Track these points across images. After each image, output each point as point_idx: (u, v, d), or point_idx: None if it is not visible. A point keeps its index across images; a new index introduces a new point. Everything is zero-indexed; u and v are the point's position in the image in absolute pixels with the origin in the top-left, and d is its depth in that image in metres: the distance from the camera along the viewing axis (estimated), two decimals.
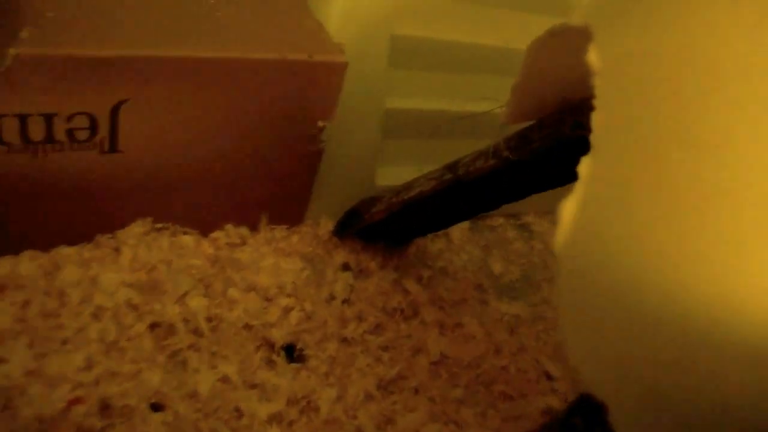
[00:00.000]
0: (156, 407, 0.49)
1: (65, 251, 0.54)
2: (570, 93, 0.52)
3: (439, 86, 0.68)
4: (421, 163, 0.71)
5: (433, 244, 0.69)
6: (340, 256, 0.63)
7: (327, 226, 0.65)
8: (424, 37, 0.64)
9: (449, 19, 0.66)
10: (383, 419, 0.53)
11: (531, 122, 0.54)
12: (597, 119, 0.33)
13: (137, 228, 0.56)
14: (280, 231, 0.63)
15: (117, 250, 0.55)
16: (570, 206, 0.33)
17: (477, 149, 0.56)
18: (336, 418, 0.52)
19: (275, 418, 0.50)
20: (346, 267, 0.63)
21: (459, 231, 0.71)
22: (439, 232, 0.70)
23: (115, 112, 0.50)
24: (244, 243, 0.61)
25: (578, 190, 0.33)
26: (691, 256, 0.29)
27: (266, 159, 0.58)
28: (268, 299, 0.57)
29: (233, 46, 0.52)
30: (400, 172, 0.70)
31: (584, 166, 0.33)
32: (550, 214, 0.80)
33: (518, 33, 0.71)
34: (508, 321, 0.65)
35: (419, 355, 0.59)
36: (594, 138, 0.33)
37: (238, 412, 0.49)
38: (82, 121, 0.49)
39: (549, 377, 0.61)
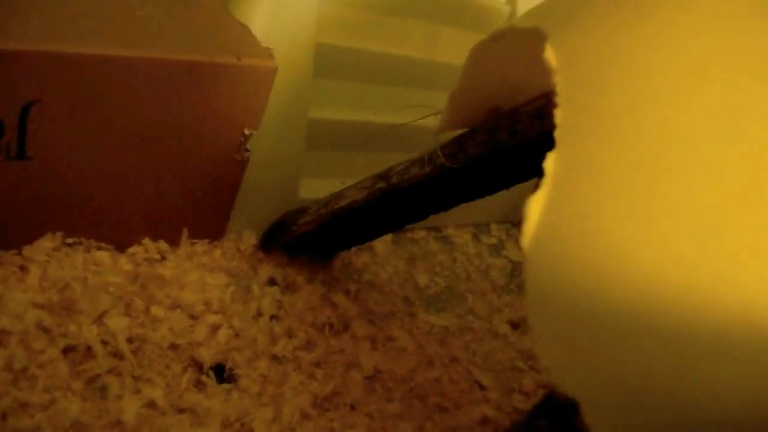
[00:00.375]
0: None
1: None
2: (503, 101, 0.52)
3: (364, 97, 0.67)
4: (344, 176, 0.69)
5: (357, 257, 0.68)
6: (266, 270, 0.60)
7: (250, 240, 0.62)
8: (350, 47, 0.64)
9: (375, 30, 0.65)
10: None
11: (464, 130, 0.54)
12: (560, 116, 0.33)
13: (46, 243, 0.51)
14: (201, 245, 0.59)
15: (23, 268, 0.50)
16: (536, 203, 0.33)
17: (408, 158, 0.55)
18: None
19: None
20: (272, 282, 0.60)
21: (383, 244, 0.70)
22: (363, 246, 0.69)
23: (24, 113, 0.45)
24: (164, 258, 0.57)
25: (544, 186, 0.33)
26: (660, 249, 0.30)
27: (188, 168, 0.55)
28: (194, 317, 0.53)
29: (156, 47, 0.48)
30: (324, 185, 0.68)
31: (550, 162, 0.33)
32: (470, 226, 0.81)
33: (441, 46, 0.72)
34: (437, 333, 0.64)
35: (352, 370, 0.57)
36: (558, 134, 0.33)
37: None
38: None
39: (481, 387, 0.60)
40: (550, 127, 0.49)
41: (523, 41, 0.46)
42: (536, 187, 0.34)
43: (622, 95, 0.33)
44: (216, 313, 0.54)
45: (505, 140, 0.49)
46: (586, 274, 0.32)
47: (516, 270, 0.77)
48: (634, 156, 0.31)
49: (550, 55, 0.35)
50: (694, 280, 0.29)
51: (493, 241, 0.80)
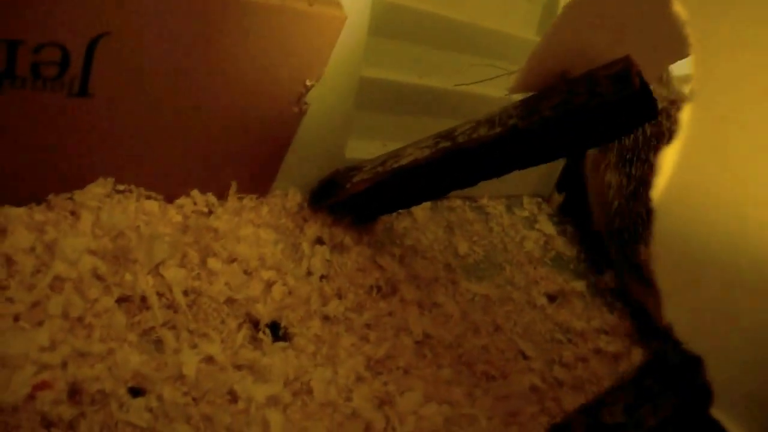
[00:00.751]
0: (136, 392, 0.42)
1: (12, 212, 0.46)
2: (574, 66, 0.51)
3: (417, 59, 0.65)
4: (386, 139, 0.68)
5: (398, 222, 0.66)
6: (312, 230, 0.59)
7: (295, 197, 0.60)
8: (406, 6, 0.62)
9: None
10: (378, 401, 0.49)
11: (528, 94, 0.53)
12: (696, 67, 0.32)
13: (98, 188, 0.49)
14: (249, 200, 0.57)
15: (75, 213, 0.47)
16: (670, 155, 0.32)
17: (472, 119, 0.54)
18: (331, 400, 0.47)
19: (272, 401, 0.45)
20: (320, 241, 0.58)
21: (422, 211, 0.69)
22: (402, 212, 0.67)
23: (92, 46, 0.42)
24: (211, 212, 0.54)
25: (679, 138, 0.32)
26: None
27: (245, 118, 0.52)
28: (248, 272, 0.51)
29: None
30: (368, 146, 0.66)
31: (686, 113, 0.32)
32: (503, 198, 0.80)
33: (490, 13, 0.70)
34: (479, 301, 0.63)
35: (402, 334, 0.55)
36: (694, 86, 0.32)
37: (232, 396, 0.44)
38: (52, 54, 0.41)
39: (525, 357, 0.60)
40: (630, 91, 0.48)
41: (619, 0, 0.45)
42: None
43: (752, 48, 0.32)
44: (270, 269, 0.52)
45: (582, 103, 0.48)
46: (717, 228, 0.31)
47: (549, 244, 0.77)
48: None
49: (679, 7, 0.34)
50: None
51: (526, 214, 0.80)
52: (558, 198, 0.84)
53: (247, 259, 0.51)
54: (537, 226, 0.78)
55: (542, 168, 0.83)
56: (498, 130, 0.50)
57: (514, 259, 0.71)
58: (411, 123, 0.67)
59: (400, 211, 0.67)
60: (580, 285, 0.72)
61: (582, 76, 0.49)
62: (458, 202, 0.74)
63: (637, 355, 0.66)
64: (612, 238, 0.75)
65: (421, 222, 0.68)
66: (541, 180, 0.83)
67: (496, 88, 0.72)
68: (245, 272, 0.51)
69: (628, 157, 0.73)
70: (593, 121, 0.48)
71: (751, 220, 0.30)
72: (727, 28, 0.33)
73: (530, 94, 0.52)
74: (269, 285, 0.52)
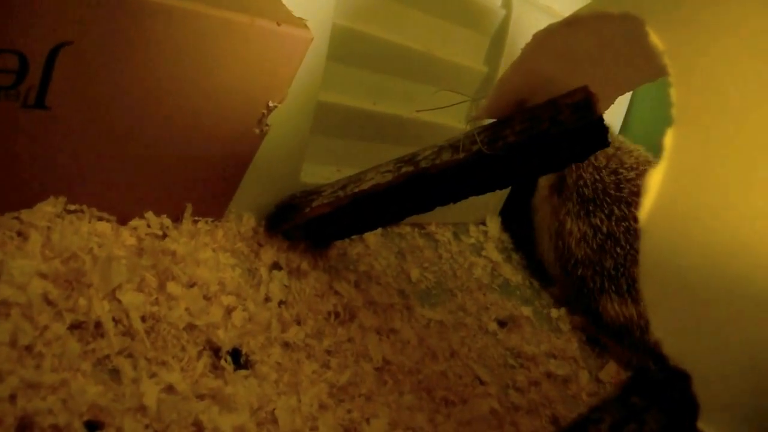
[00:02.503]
0: (93, 426, 0.39)
1: None
2: (534, 94, 0.53)
3: (372, 86, 0.65)
4: (341, 164, 0.68)
5: (352, 248, 0.65)
6: (268, 254, 0.57)
7: (250, 222, 0.58)
8: (365, 32, 0.62)
9: (388, 19, 0.64)
10: (344, 429, 0.48)
11: (490, 121, 0.54)
12: (676, 94, 0.34)
13: (48, 207, 0.46)
14: (203, 224, 0.55)
15: (22, 234, 0.44)
16: (656, 176, 0.33)
17: (434, 144, 0.54)
18: (297, 430, 0.46)
19: (239, 431, 0.43)
20: (277, 266, 0.57)
21: (374, 236, 0.68)
22: (354, 237, 0.67)
23: (52, 56, 0.40)
24: (165, 235, 0.52)
25: (663, 160, 0.33)
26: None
27: (204, 137, 0.51)
28: (208, 297, 0.49)
29: (195, 0, 0.45)
30: (322, 171, 0.66)
31: (669, 137, 0.33)
32: (449, 225, 0.80)
33: (440, 41, 0.72)
34: (434, 327, 0.63)
35: (363, 360, 0.54)
36: (676, 111, 0.33)
37: (198, 427, 0.41)
38: (9, 61, 0.39)
39: (481, 382, 0.60)
40: (590, 119, 0.50)
41: (589, 31, 0.47)
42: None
43: (734, 72, 0.34)
44: (230, 294, 0.50)
45: (546, 130, 0.49)
46: (704, 247, 0.32)
47: (495, 270, 0.78)
48: (752, 130, 0.32)
49: (654, 38, 0.36)
50: None
51: (473, 241, 0.80)
52: (497, 226, 0.86)
53: (207, 283, 0.49)
54: (484, 253, 0.79)
55: (487, 196, 0.85)
56: (462, 155, 0.51)
57: (464, 285, 0.72)
58: (365, 149, 0.67)
59: (352, 237, 0.66)
60: (527, 310, 0.73)
61: (545, 104, 0.50)
62: (408, 229, 0.74)
63: (584, 378, 0.68)
64: (571, 283, 0.77)
65: (374, 248, 0.68)
66: (486, 208, 0.85)
67: (450, 116, 0.73)
68: (205, 297, 0.49)
69: (590, 208, 0.76)
70: (554, 148, 0.50)
71: (735, 238, 0.31)
72: (706, 55, 0.34)
73: (491, 121, 0.53)
74: (229, 311, 0.50)
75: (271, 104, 0.52)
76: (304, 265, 0.58)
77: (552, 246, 0.80)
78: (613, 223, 0.73)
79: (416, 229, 0.75)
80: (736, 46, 0.35)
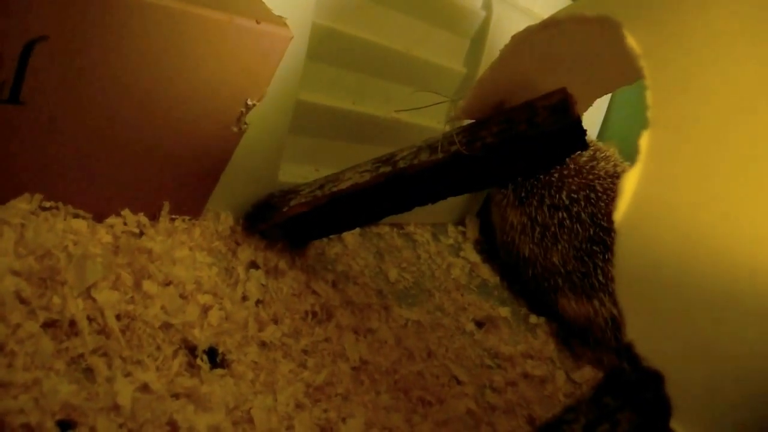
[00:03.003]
0: (65, 425, 0.39)
1: None
2: (512, 95, 0.53)
3: (353, 86, 0.65)
4: (319, 164, 0.67)
5: (330, 247, 0.65)
6: (245, 254, 0.57)
7: (227, 221, 0.58)
8: (345, 32, 0.62)
9: (369, 19, 0.64)
10: (320, 429, 0.48)
11: (469, 121, 0.54)
12: (652, 97, 0.34)
13: (22, 204, 0.45)
14: (181, 222, 0.55)
15: None
16: (631, 178, 0.33)
17: (412, 145, 0.55)
18: (273, 429, 0.46)
19: (214, 431, 0.42)
20: (254, 265, 0.57)
21: (352, 237, 0.68)
22: (333, 237, 0.67)
23: (27, 50, 0.40)
24: (142, 233, 0.52)
25: (639, 162, 0.34)
26: (754, 224, 0.31)
27: (182, 136, 0.50)
28: (184, 296, 0.49)
29: None
30: (301, 170, 0.66)
31: (644, 139, 0.34)
32: (428, 226, 0.80)
33: (419, 42, 0.72)
34: (412, 327, 0.63)
35: (340, 360, 0.54)
36: (651, 113, 0.34)
37: (172, 426, 0.41)
38: None
39: (458, 382, 0.60)
40: (567, 121, 0.50)
41: (567, 33, 0.47)
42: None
43: (709, 75, 0.34)
44: (206, 293, 0.50)
45: (523, 132, 0.50)
46: (678, 248, 0.32)
47: (473, 271, 0.78)
48: (727, 132, 0.33)
49: (631, 41, 0.36)
50: None
51: (451, 241, 0.81)
52: (476, 227, 0.86)
53: (184, 282, 0.49)
54: (462, 253, 0.80)
55: (465, 197, 0.85)
56: (440, 155, 0.51)
57: (442, 285, 0.72)
58: (344, 148, 0.67)
59: (330, 236, 0.66)
60: (504, 311, 0.74)
61: (522, 106, 0.51)
62: (386, 229, 0.74)
63: (561, 378, 0.68)
64: (527, 285, 0.77)
65: (352, 248, 0.68)
66: (465, 209, 0.85)
67: (429, 117, 0.73)
68: (181, 296, 0.49)
69: (522, 195, 0.76)
70: (532, 149, 0.50)
71: (711, 241, 0.32)
72: (682, 58, 0.35)
73: (470, 121, 0.53)
74: (206, 310, 0.49)
75: (249, 102, 0.52)
76: (282, 265, 0.58)
77: (502, 242, 0.80)
78: (547, 214, 0.73)
79: (395, 229, 0.75)
80: (712, 48, 0.35)
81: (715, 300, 0.32)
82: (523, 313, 0.77)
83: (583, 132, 0.51)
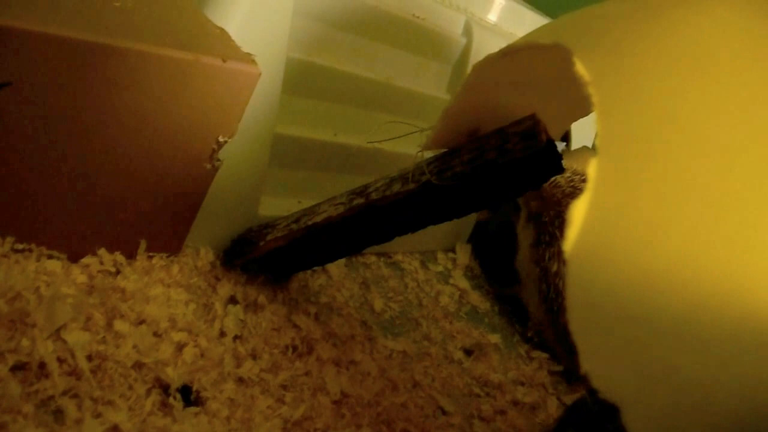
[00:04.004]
0: None
1: None
2: (484, 123, 0.53)
3: (330, 117, 0.66)
4: (301, 197, 0.68)
5: (314, 279, 0.65)
6: (225, 289, 0.57)
7: (207, 256, 0.58)
8: (320, 64, 0.63)
9: (344, 50, 0.65)
10: None
11: (441, 151, 0.54)
12: (601, 125, 0.34)
13: None
14: (159, 259, 0.55)
15: None
16: (580, 208, 0.33)
17: (386, 176, 0.55)
18: None
19: None
20: (233, 301, 0.57)
21: (337, 267, 0.68)
22: (317, 269, 0.67)
23: None
24: (119, 272, 0.52)
25: (588, 191, 0.33)
26: (706, 253, 0.31)
27: (154, 174, 0.51)
28: (158, 334, 0.49)
29: (137, 39, 0.45)
30: (282, 203, 0.66)
31: (593, 168, 0.33)
32: (417, 254, 0.80)
33: (399, 71, 0.72)
34: (397, 357, 0.63)
35: (320, 394, 0.54)
36: (600, 141, 0.34)
37: None
38: None
39: (444, 412, 0.59)
40: (537, 147, 0.50)
41: (526, 61, 0.47)
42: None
43: (658, 102, 0.34)
44: (181, 330, 0.50)
45: (493, 159, 0.50)
46: (631, 278, 0.32)
47: (463, 298, 0.78)
48: (675, 160, 0.32)
49: (582, 68, 0.36)
50: (745, 284, 0.30)
51: (440, 269, 0.80)
52: (467, 253, 0.86)
53: (157, 320, 0.49)
54: (451, 280, 0.79)
55: (455, 223, 0.85)
56: (411, 186, 0.51)
57: (430, 314, 0.71)
58: (326, 180, 0.68)
59: (315, 268, 0.66)
60: (495, 338, 0.73)
61: (492, 133, 0.51)
62: (373, 258, 0.74)
63: (553, 406, 0.67)
64: (555, 325, 0.76)
65: (337, 279, 0.68)
66: (454, 235, 0.85)
67: (410, 145, 0.73)
68: (155, 334, 0.49)
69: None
70: (504, 176, 0.50)
71: (663, 271, 0.32)
72: (631, 85, 0.35)
73: (443, 150, 0.53)
74: (180, 347, 0.49)
75: (221, 139, 0.52)
76: (262, 299, 0.58)
77: (536, 290, 0.78)
78: None
79: (382, 259, 0.75)
80: (663, 75, 0.35)
81: (670, 328, 0.31)
82: (515, 339, 0.76)
83: (557, 156, 0.51)
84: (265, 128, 0.59)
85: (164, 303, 0.50)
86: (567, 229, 0.34)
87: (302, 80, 0.63)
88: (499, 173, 0.50)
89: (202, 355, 0.50)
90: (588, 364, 0.33)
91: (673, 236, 0.32)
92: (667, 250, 0.32)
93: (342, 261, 0.70)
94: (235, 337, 0.54)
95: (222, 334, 0.54)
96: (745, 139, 0.32)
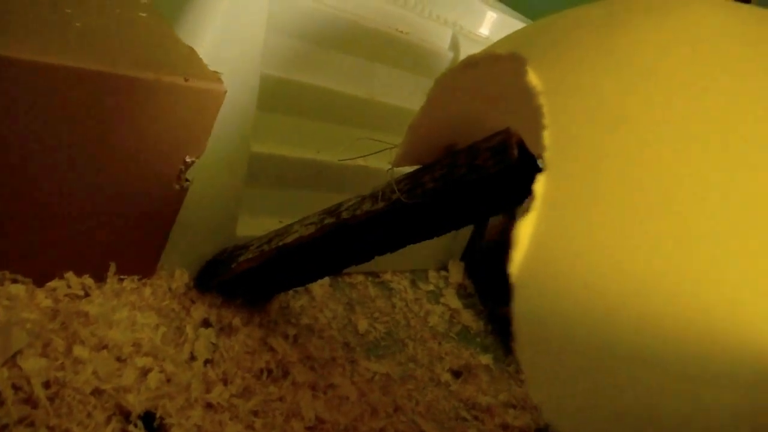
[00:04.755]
0: None
1: None
2: (459, 137, 0.51)
3: (308, 134, 0.65)
4: (283, 215, 0.67)
5: (295, 300, 0.64)
6: (199, 311, 0.56)
7: (182, 278, 0.57)
8: (295, 81, 0.62)
9: (320, 66, 0.64)
10: None
11: (417, 167, 0.53)
12: (549, 137, 0.32)
13: None
14: (130, 282, 0.54)
15: None
16: (526, 227, 0.31)
17: (358, 195, 0.53)
18: None
19: None
20: (206, 323, 0.56)
21: (321, 288, 0.67)
22: (300, 289, 0.65)
23: None
24: (87, 295, 0.51)
25: (534, 209, 0.32)
26: (656, 273, 0.29)
27: (121, 195, 0.50)
28: (122, 359, 0.48)
29: (97, 60, 0.45)
30: (262, 223, 0.65)
31: (539, 184, 0.32)
32: (407, 273, 0.79)
33: (385, 87, 0.71)
34: (379, 380, 0.61)
35: (293, 419, 0.52)
36: (548, 155, 0.32)
37: None
38: None
39: None
40: (508, 162, 0.49)
41: (489, 72, 0.46)
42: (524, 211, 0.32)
43: (608, 116, 0.32)
44: (146, 355, 0.49)
45: (463, 175, 0.48)
46: (580, 303, 0.30)
47: (454, 318, 0.76)
48: (629, 176, 0.30)
49: (533, 78, 0.35)
50: (703, 307, 0.28)
51: (431, 288, 0.79)
52: (460, 271, 0.84)
53: (120, 345, 0.48)
54: (442, 300, 0.77)
55: (447, 240, 0.83)
56: (381, 204, 0.50)
57: (418, 335, 0.70)
58: (309, 198, 0.66)
59: (297, 289, 0.65)
60: (486, 359, 0.71)
61: (466, 148, 0.49)
62: (360, 278, 0.72)
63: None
64: None
65: (320, 300, 0.66)
66: (447, 253, 0.83)
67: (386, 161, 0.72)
68: (118, 359, 0.48)
69: None
70: (475, 193, 0.48)
71: (614, 293, 0.30)
72: (583, 95, 0.33)
73: (416, 167, 0.52)
74: (144, 372, 0.48)
75: (188, 159, 0.51)
76: (237, 321, 0.57)
77: None
78: None
79: (370, 278, 0.73)
80: (618, 85, 0.34)
81: (623, 356, 0.29)
82: (508, 360, 0.74)
83: (534, 172, 0.49)
84: (240, 147, 0.58)
85: (128, 327, 0.49)
86: (512, 251, 0.32)
87: (280, 97, 0.62)
88: (470, 190, 0.48)
89: (168, 381, 0.49)
90: (538, 395, 0.31)
91: (627, 257, 0.30)
92: (621, 273, 0.30)
93: (326, 281, 0.69)
94: (206, 361, 0.53)
95: (192, 358, 0.52)
96: (702, 153, 0.30)
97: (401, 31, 0.70)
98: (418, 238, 0.52)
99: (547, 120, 0.33)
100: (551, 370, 0.31)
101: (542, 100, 0.34)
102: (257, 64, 0.58)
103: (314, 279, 0.58)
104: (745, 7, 0.36)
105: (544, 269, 0.31)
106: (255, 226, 0.63)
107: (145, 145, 0.49)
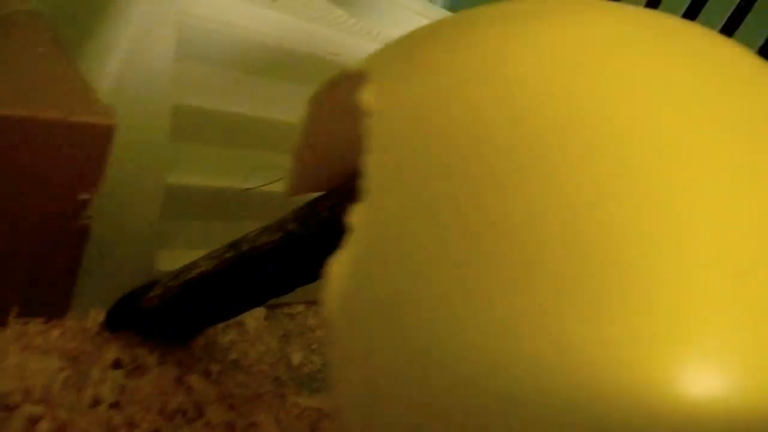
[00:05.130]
0: None
1: None
2: (354, 157, 0.49)
3: (230, 162, 0.63)
4: (210, 247, 0.65)
5: (224, 335, 0.62)
6: (112, 351, 0.54)
7: (97, 317, 0.56)
8: (210, 109, 0.60)
9: (237, 92, 0.62)
10: None
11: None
12: (371, 162, 0.30)
13: None
14: (35, 325, 0.53)
15: None
16: (340, 264, 0.29)
17: (261, 226, 0.51)
18: None
19: None
20: (117, 364, 0.54)
21: (254, 320, 0.65)
22: (231, 323, 0.63)
23: None
24: None
25: (349, 244, 0.29)
26: (484, 319, 0.26)
27: (15, 237, 0.49)
28: (10, 409, 0.46)
29: None
30: (190, 256, 0.63)
31: (357, 215, 0.29)
32: None
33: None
34: (309, 416, 0.58)
35: None
36: (368, 183, 0.29)
37: None
38: None
39: None
40: None
41: (350, 90, 0.43)
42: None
43: (446, 139, 0.29)
44: (38, 402, 0.47)
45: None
46: (402, 345, 0.27)
47: None
48: (457, 212, 0.27)
49: (367, 96, 0.32)
50: (529, 356, 0.25)
51: None
52: None
53: (8, 393, 0.46)
54: None
55: None
56: (278, 236, 0.48)
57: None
58: (233, 229, 0.64)
59: (228, 322, 0.63)
60: None
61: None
62: (300, 308, 0.70)
63: None
64: None
65: (253, 333, 0.64)
66: None
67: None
68: (7, 408, 0.46)
69: None
70: None
71: (437, 335, 0.27)
72: (400, 122, 0.31)
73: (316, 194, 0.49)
74: (34, 421, 0.47)
75: (82, 197, 0.50)
76: (151, 360, 0.55)
77: None
78: None
79: (312, 308, 0.71)
80: (460, 109, 0.30)
81: (446, 411, 0.26)
82: None
83: None
84: (154, 179, 0.57)
85: (18, 374, 0.48)
86: (324, 289, 0.29)
87: (197, 127, 0.60)
88: None
89: (61, 428, 0.47)
90: None
91: (453, 295, 0.27)
92: (447, 312, 0.27)
93: (262, 312, 0.67)
94: (111, 405, 0.51)
95: (96, 402, 0.50)
96: (560, 181, 0.26)
97: (333, 53, 0.68)
98: (318, 270, 0.49)
99: (372, 143, 0.31)
100: (373, 420, 0.28)
101: (372, 121, 0.31)
102: (167, 94, 0.56)
103: (229, 315, 0.56)
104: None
105: (361, 308, 0.28)
106: (178, 260, 0.61)
107: (31, 185, 0.48)
